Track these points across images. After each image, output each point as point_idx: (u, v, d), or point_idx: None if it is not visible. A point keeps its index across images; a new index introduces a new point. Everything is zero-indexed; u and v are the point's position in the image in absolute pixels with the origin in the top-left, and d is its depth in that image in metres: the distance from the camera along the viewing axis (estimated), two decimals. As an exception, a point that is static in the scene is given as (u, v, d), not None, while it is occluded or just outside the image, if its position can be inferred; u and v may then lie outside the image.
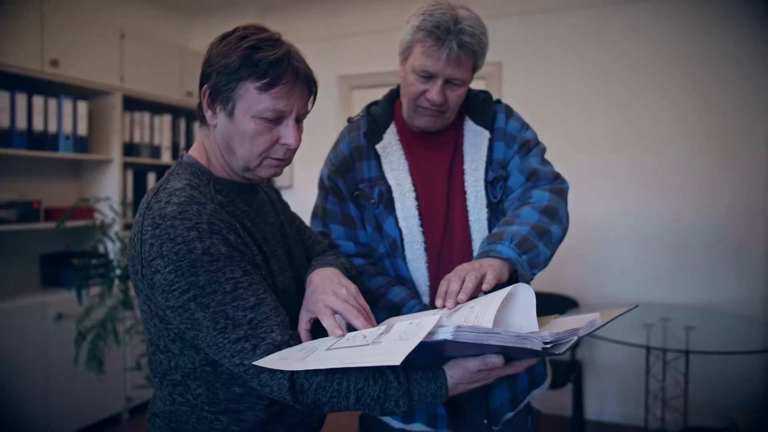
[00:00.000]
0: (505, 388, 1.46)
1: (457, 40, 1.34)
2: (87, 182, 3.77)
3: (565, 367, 3.34)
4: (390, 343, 0.92)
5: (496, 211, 1.47)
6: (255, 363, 0.99)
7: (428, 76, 1.39)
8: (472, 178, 1.48)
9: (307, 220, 1.53)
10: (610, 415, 3.68)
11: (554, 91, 3.78)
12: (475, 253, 1.43)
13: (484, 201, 1.47)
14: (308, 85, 1.12)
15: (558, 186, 1.45)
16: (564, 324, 1.11)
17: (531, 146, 1.51)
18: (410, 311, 1.38)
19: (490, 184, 1.48)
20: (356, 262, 1.46)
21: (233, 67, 1.05)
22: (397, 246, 1.45)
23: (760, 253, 3.38)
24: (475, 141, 1.51)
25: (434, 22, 1.35)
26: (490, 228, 1.46)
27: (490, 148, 1.50)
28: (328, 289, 1.12)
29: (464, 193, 1.48)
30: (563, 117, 3.74)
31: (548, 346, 1.00)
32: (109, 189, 3.66)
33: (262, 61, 1.04)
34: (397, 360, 0.84)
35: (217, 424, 1.12)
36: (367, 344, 0.96)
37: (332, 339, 1.04)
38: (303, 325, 1.10)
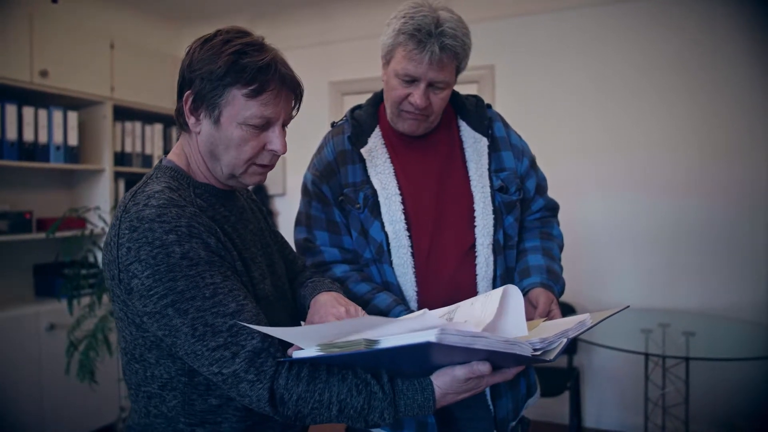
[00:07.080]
0: (509, 398, 1.46)
1: (439, 43, 1.33)
2: (78, 192, 3.75)
3: (563, 374, 3.31)
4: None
5: (500, 218, 1.47)
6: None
7: (411, 80, 1.38)
8: (480, 184, 1.48)
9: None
10: (608, 423, 3.63)
11: (548, 93, 3.75)
12: (477, 259, 1.45)
13: (490, 207, 1.46)
14: (294, 91, 1.11)
15: (556, 212, 1.66)
16: (553, 327, 1.08)
17: (533, 159, 1.60)
18: (397, 318, 1.35)
19: (497, 192, 1.48)
20: (341, 269, 1.46)
21: (219, 73, 1.03)
22: (383, 251, 1.43)
23: (762, 257, 3.30)
24: (477, 148, 1.52)
25: (415, 25, 1.33)
26: (495, 234, 1.45)
27: (489, 156, 1.50)
28: (337, 303, 1.18)
29: (468, 198, 1.48)
30: (557, 119, 3.72)
31: (538, 352, 0.96)
32: (101, 199, 3.64)
33: (248, 67, 1.02)
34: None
35: None
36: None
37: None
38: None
